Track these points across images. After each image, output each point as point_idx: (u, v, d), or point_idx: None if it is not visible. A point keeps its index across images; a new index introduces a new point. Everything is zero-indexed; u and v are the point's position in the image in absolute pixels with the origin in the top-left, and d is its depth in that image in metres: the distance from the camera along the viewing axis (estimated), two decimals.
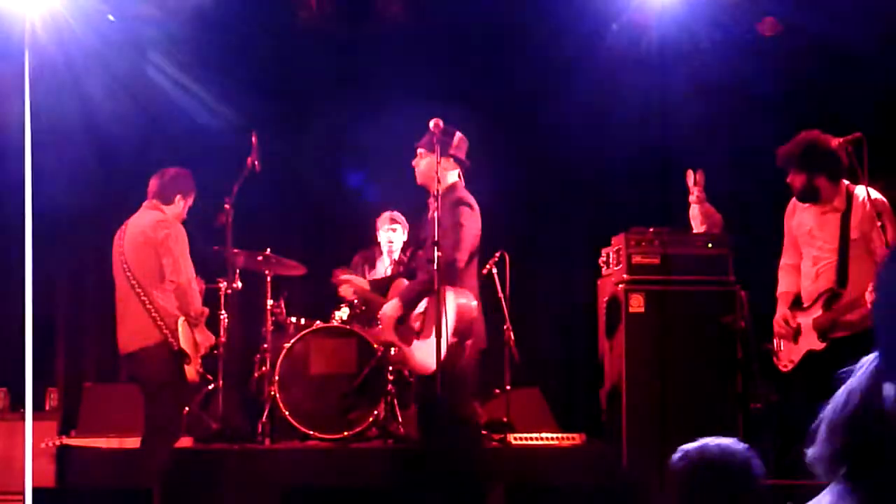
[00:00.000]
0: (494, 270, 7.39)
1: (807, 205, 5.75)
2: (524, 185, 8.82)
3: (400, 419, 7.13)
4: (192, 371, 5.82)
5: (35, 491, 5.35)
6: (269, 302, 7.37)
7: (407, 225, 7.85)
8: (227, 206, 6.79)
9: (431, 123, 5.63)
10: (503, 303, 7.37)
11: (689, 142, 8.38)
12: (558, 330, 8.74)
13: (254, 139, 6.92)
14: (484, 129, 8.04)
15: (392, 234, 7.81)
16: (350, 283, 7.45)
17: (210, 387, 7.28)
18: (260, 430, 6.96)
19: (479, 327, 5.75)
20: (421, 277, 5.79)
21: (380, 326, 5.91)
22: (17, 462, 6.77)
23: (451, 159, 5.88)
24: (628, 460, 6.70)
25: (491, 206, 7.52)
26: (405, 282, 5.98)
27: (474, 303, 5.66)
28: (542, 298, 8.70)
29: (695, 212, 7.10)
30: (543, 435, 7.12)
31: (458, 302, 5.56)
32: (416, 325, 5.73)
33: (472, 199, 5.83)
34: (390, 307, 5.78)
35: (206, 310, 6.10)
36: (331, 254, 8.31)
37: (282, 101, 8.70)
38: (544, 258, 8.75)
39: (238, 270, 7.18)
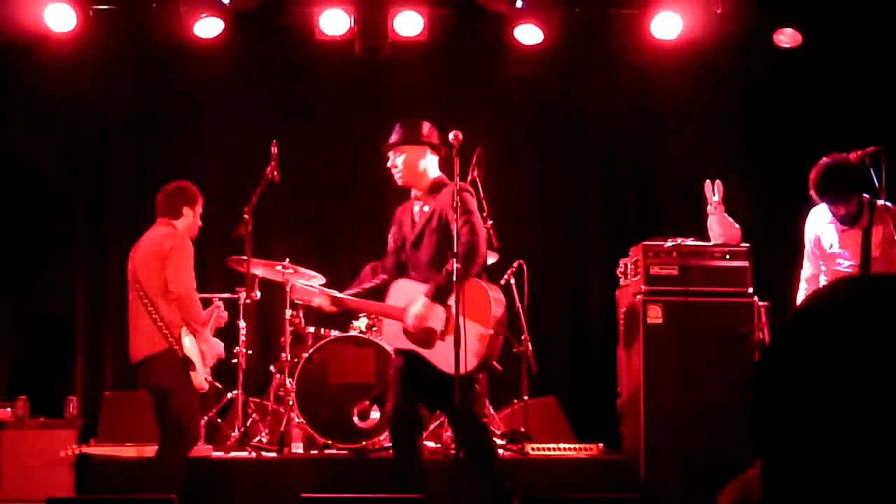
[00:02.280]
0: (512, 281, 7.40)
1: (829, 221, 5.71)
2: (542, 195, 8.83)
3: None
4: (198, 378, 5.95)
5: (55, 500, 5.39)
6: (288, 312, 7.40)
7: None
8: (245, 216, 6.82)
9: (451, 135, 5.61)
10: (521, 313, 7.38)
11: (707, 152, 8.38)
12: (576, 340, 8.75)
13: (273, 149, 6.94)
14: (500, 140, 8.09)
15: None
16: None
17: (229, 396, 7.31)
18: (278, 439, 6.99)
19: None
20: (447, 268, 5.49)
21: (405, 330, 5.56)
22: (36, 470, 6.82)
23: (428, 148, 5.81)
24: (646, 471, 6.69)
25: (509, 217, 7.57)
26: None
27: (501, 296, 5.68)
28: (560, 309, 8.71)
29: (713, 223, 7.09)
30: (561, 445, 7.12)
31: (494, 295, 5.54)
32: (439, 325, 5.57)
33: (466, 184, 5.78)
34: (421, 307, 5.51)
35: (206, 320, 6.14)
36: (349, 264, 8.33)
37: (302, 111, 8.75)
38: (562, 269, 8.76)
39: (257, 280, 7.21)
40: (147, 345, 5.94)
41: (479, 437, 5.69)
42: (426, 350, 5.57)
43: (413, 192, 5.87)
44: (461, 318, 5.29)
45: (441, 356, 5.49)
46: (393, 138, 5.83)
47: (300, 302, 5.90)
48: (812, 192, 5.57)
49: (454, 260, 5.37)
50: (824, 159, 5.54)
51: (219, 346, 6.15)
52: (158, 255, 5.99)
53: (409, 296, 5.64)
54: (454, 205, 5.42)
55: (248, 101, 8.67)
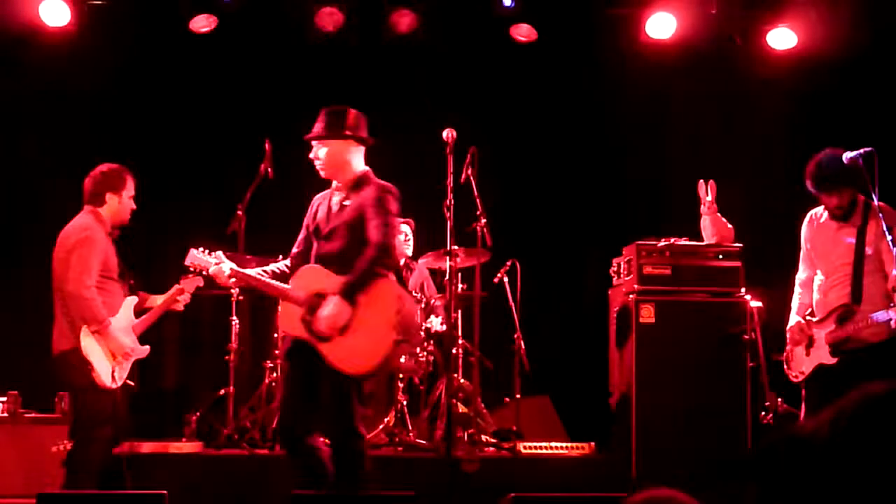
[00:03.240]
0: (506, 279, 7.41)
1: (824, 220, 5.73)
2: (535, 194, 8.84)
3: (410, 426, 7.14)
4: (101, 378, 5.69)
5: (46, 496, 5.36)
6: (280, 308, 7.38)
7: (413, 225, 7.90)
8: (239, 212, 6.81)
9: (445, 133, 5.60)
10: (514, 311, 7.39)
11: (701, 151, 8.40)
12: (568, 339, 8.75)
13: (267, 146, 6.94)
14: (495, 139, 8.09)
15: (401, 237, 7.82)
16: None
17: (221, 392, 7.31)
18: (270, 435, 6.98)
19: (416, 330, 5.56)
20: (361, 265, 5.12)
21: (303, 318, 5.18)
22: (27, 465, 6.80)
23: (353, 140, 5.38)
24: (637, 470, 6.70)
25: (502, 215, 7.57)
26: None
27: (413, 305, 5.52)
28: (553, 307, 8.71)
29: (706, 223, 7.11)
30: (553, 444, 7.12)
31: (406, 302, 5.26)
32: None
33: (391, 185, 5.37)
34: (334, 308, 5.09)
35: (109, 321, 5.76)
36: None
37: (297, 107, 8.75)
38: (555, 268, 8.76)
39: None
40: (59, 340, 5.77)
41: (351, 448, 5.22)
42: (322, 344, 5.14)
43: (334, 184, 5.48)
44: (373, 316, 5.06)
45: (337, 352, 5.12)
46: (316, 129, 5.40)
47: (193, 269, 5.57)
48: (807, 182, 5.60)
49: (364, 257, 5.12)
50: (823, 151, 5.60)
51: (123, 346, 5.81)
52: (65, 247, 5.79)
53: (315, 283, 5.25)
54: (375, 203, 5.21)
55: (242, 96, 8.66)
